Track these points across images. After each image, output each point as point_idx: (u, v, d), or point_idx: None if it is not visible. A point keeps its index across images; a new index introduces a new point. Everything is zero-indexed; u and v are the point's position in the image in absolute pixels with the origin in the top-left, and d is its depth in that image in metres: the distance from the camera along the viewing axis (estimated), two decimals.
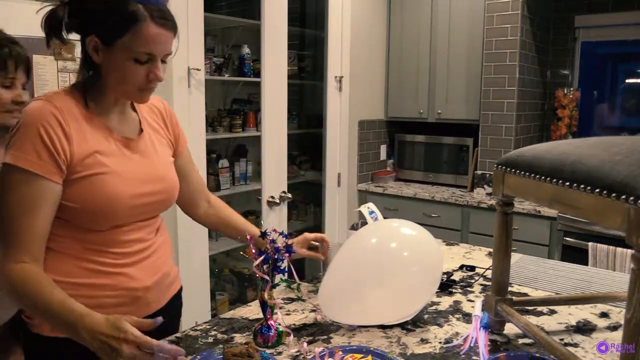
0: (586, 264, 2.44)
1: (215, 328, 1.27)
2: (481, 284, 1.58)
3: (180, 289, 1.38)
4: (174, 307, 1.33)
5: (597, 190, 0.84)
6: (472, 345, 1.17)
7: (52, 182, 1.04)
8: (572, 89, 3.31)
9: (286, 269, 1.21)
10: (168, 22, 1.08)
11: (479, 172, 3.33)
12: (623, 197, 0.78)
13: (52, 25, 1.08)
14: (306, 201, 3.64)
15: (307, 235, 1.44)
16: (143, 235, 1.19)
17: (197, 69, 2.41)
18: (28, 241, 1.03)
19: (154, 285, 1.21)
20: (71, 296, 1.07)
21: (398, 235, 1.31)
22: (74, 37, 1.12)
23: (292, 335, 1.20)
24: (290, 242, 1.25)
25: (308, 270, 3.07)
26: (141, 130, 1.22)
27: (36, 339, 1.13)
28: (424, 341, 1.20)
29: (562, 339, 1.21)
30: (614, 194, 0.80)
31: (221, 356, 1.06)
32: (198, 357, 1.08)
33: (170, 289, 1.30)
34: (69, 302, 1.00)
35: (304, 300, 1.39)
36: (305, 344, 1.15)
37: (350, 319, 1.27)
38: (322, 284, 1.26)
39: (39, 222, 1.04)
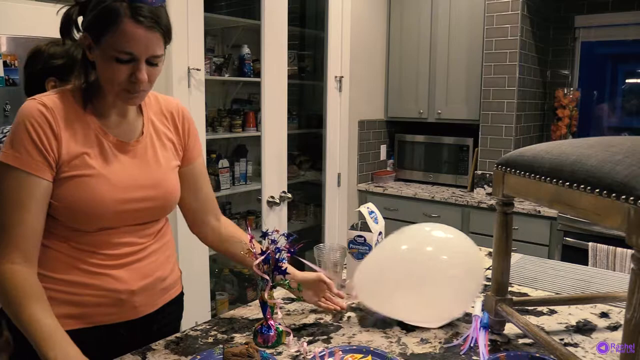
0: (586, 264, 2.44)
1: (215, 328, 1.27)
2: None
3: (181, 294, 1.35)
4: (169, 312, 1.29)
5: (597, 190, 0.84)
6: (472, 345, 1.17)
7: (41, 179, 1.04)
8: (572, 89, 3.31)
9: (287, 269, 1.21)
10: (152, 22, 1.03)
11: (479, 172, 3.33)
12: (623, 197, 0.78)
13: (65, 25, 1.09)
14: (306, 201, 3.64)
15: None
16: (135, 238, 1.17)
17: (197, 69, 2.41)
18: (19, 238, 1.03)
19: (142, 289, 1.18)
20: (54, 291, 1.08)
21: (445, 246, 1.33)
22: None
23: (292, 335, 1.20)
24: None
25: (308, 270, 3.07)
26: (142, 134, 1.19)
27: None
28: (424, 341, 1.20)
29: (562, 339, 1.21)
30: (614, 194, 0.80)
31: (221, 356, 1.07)
32: (198, 357, 1.08)
33: (166, 294, 1.26)
34: (50, 321, 1.00)
35: (304, 300, 1.39)
36: (305, 344, 1.15)
37: (385, 309, 1.30)
38: (360, 268, 1.33)
39: (29, 219, 1.03)
